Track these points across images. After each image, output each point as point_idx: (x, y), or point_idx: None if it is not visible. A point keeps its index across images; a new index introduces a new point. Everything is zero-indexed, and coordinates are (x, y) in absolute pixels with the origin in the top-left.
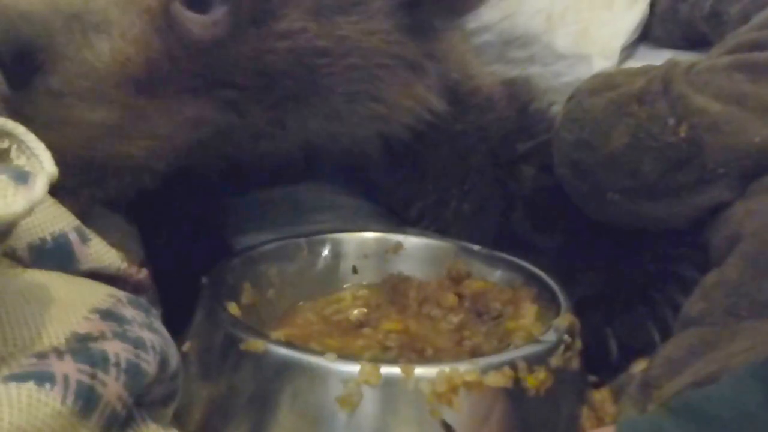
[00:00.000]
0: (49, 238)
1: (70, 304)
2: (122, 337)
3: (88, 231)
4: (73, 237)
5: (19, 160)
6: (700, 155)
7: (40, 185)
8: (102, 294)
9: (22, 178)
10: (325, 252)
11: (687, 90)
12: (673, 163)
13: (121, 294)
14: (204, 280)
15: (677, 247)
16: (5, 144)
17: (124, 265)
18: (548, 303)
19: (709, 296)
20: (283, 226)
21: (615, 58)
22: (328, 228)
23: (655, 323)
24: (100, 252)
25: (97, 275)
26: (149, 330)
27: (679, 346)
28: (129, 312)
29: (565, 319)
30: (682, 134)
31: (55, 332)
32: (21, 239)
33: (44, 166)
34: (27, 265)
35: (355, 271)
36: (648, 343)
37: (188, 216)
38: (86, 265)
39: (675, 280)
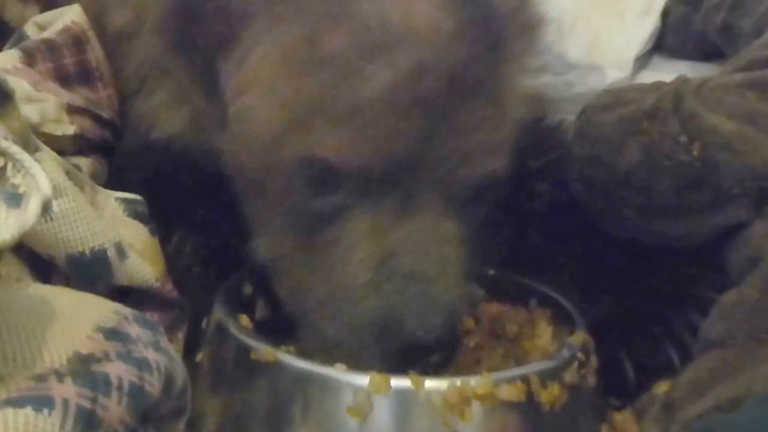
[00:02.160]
0: (87, 252)
1: (74, 322)
2: (126, 358)
3: (127, 247)
4: (111, 253)
5: (15, 179)
6: (714, 175)
7: (33, 208)
8: (107, 311)
9: (14, 200)
10: None
11: (698, 108)
12: (688, 182)
13: (128, 311)
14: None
15: (694, 266)
16: (0, 163)
17: (157, 284)
18: (563, 323)
19: (728, 317)
20: None
21: (628, 68)
22: None
23: (672, 344)
24: (137, 269)
25: (129, 290)
26: (155, 349)
27: (701, 368)
28: (134, 330)
29: (579, 336)
30: (695, 153)
31: (57, 351)
32: (60, 249)
33: (40, 186)
34: (64, 274)
35: None
36: (665, 364)
37: (212, 226)
38: (121, 280)
39: (691, 299)
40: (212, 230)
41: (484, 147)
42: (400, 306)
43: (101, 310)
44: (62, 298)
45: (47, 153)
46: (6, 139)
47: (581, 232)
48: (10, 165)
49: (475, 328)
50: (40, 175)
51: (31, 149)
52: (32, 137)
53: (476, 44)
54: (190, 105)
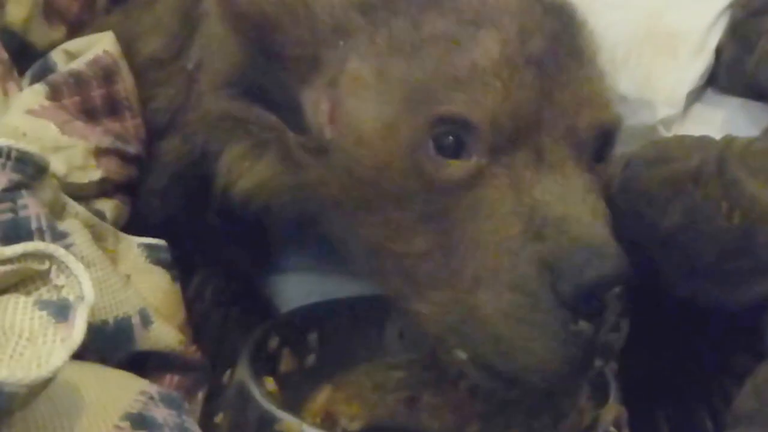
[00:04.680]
0: (111, 321)
1: (101, 410)
2: None
3: (152, 313)
4: (135, 321)
5: (59, 280)
6: (753, 244)
7: (80, 324)
8: (134, 392)
9: (62, 313)
10: (368, 317)
11: (741, 174)
12: (727, 250)
13: (154, 390)
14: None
15: (734, 333)
16: (45, 265)
17: (180, 348)
18: (600, 384)
19: (759, 393)
20: (318, 266)
21: (680, 106)
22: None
23: (708, 412)
24: (160, 336)
25: (149, 354)
26: None
27: None
28: (160, 413)
29: (612, 409)
30: (736, 221)
31: None
32: None
33: (83, 290)
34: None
35: (401, 335)
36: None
37: (235, 268)
38: (143, 347)
39: (729, 369)
40: (235, 272)
41: (595, 98)
42: (567, 245)
43: (128, 391)
44: (89, 381)
45: (75, 220)
46: (40, 218)
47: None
48: (54, 267)
49: None
50: (84, 277)
51: (58, 214)
52: (60, 199)
53: (562, 21)
54: (274, 148)
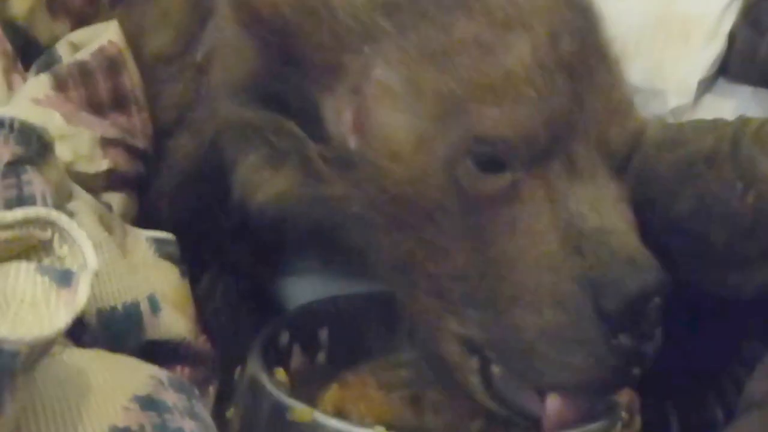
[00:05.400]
0: (120, 307)
1: (110, 392)
2: (161, 429)
3: (160, 300)
4: (144, 307)
5: (62, 250)
6: (766, 225)
7: (83, 289)
8: (143, 376)
9: (64, 279)
10: (379, 313)
11: (756, 153)
12: (741, 232)
13: (163, 375)
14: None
15: (744, 319)
16: (48, 234)
17: (190, 337)
18: None
19: None
20: (327, 268)
21: (691, 95)
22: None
23: (718, 399)
24: (169, 323)
25: (159, 344)
26: (190, 417)
27: (740, 429)
28: (170, 397)
29: (625, 395)
30: (750, 201)
31: (93, 427)
32: (91, 305)
33: (86, 258)
34: (92, 330)
35: (410, 332)
36: (710, 422)
37: (245, 266)
38: (152, 335)
39: (739, 356)
40: (245, 270)
41: (624, 105)
42: (607, 259)
43: (137, 375)
44: (97, 365)
45: (82, 202)
46: (45, 196)
47: None
48: (57, 236)
49: None
50: (87, 246)
51: (65, 197)
52: (67, 183)
53: (586, 17)
54: (294, 158)
